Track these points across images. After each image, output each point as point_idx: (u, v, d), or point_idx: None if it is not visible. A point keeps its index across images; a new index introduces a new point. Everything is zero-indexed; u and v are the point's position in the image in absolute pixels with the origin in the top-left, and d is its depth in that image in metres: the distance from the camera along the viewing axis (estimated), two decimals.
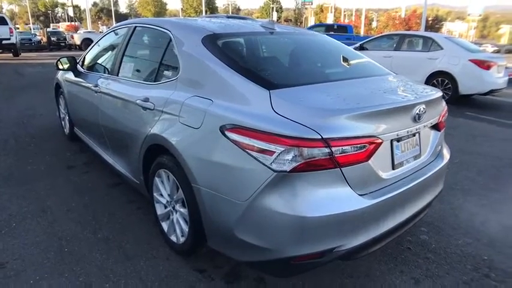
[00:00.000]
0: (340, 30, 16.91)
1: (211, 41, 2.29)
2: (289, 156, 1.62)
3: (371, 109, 1.79)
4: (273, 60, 2.77)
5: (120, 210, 2.93)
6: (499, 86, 7.58)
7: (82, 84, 3.62)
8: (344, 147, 1.66)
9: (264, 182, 1.66)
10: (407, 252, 2.46)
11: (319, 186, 1.67)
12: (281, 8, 79.81)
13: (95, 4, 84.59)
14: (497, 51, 32.53)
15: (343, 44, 3.05)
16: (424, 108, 2.00)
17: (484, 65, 7.35)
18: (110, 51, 3.49)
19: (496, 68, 7.44)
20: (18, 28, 40.91)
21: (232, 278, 2.16)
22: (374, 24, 53.46)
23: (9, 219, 2.75)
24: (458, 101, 7.58)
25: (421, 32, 16.92)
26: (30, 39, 27.30)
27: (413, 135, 2.09)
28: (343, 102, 1.89)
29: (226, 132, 1.80)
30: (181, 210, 2.25)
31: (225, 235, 1.90)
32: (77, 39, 27.84)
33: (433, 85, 7.44)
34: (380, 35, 10.56)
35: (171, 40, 2.51)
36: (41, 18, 77.05)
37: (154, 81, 2.56)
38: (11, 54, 18.48)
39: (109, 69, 3.21)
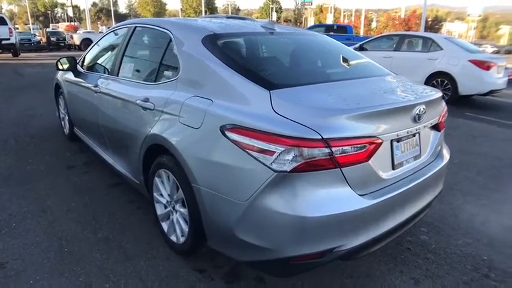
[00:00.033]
0: (339, 31, 16.91)
1: (212, 41, 2.29)
2: (290, 156, 1.62)
3: (371, 109, 1.79)
4: (273, 60, 2.77)
5: (120, 210, 2.93)
6: (499, 87, 7.59)
7: (82, 84, 3.62)
8: (344, 148, 1.67)
9: (264, 182, 1.67)
10: (407, 252, 2.46)
11: (319, 186, 1.67)
12: (281, 8, 79.78)
13: (94, 4, 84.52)
14: (497, 52, 32.61)
15: (343, 45, 3.05)
16: (424, 109, 2.00)
17: (483, 65, 7.36)
18: (110, 52, 3.49)
19: (495, 69, 7.45)
20: (17, 28, 40.94)
21: (232, 278, 2.16)
22: (374, 24, 53.47)
23: (9, 219, 2.75)
24: (458, 101, 7.58)
25: (421, 32, 16.96)
26: (30, 40, 27.27)
27: (413, 135, 2.09)
28: (344, 102, 1.89)
29: (227, 132, 1.80)
30: (181, 210, 2.25)
31: (225, 235, 1.90)
32: (77, 39, 27.84)
33: (433, 85, 7.44)
34: (380, 35, 10.56)
35: (171, 40, 2.51)
36: (41, 18, 77.02)
37: (155, 82, 2.56)
38: (10, 55, 18.48)
39: (109, 70, 3.21)
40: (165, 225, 2.46)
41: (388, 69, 2.75)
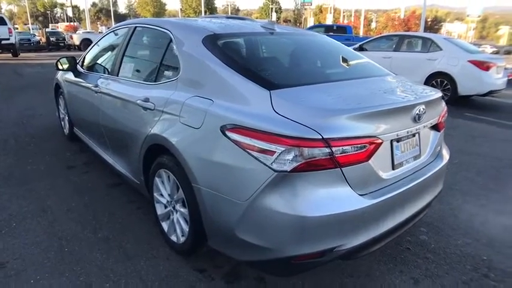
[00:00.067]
0: (339, 31, 16.91)
1: (212, 41, 2.30)
2: (290, 156, 1.62)
3: (371, 109, 1.80)
4: (273, 60, 2.78)
5: (120, 210, 2.93)
6: (498, 87, 7.60)
7: (82, 84, 3.62)
8: (344, 147, 1.67)
9: (265, 182, 1.67)
10: (407, 252, 2.47)
11: (319, 186, 1.68)
12: (280, 8, 79.83)
13: (94, 4, 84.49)
14: (496, 52, 32.68)
15: (343, 45, 3.06)
16: (424, 109, 2.01)
17: (483, 66, 7.37)
18: (110, 52, 3.49)
19: (495, 69, 7.46)
20: (17, 28, 40.89)
21: (233, 278, 2.17)
22: (373, 25, 53.53)
23: (9, 219, 2.75)
24: (458, 101, 7.60)
25: (420, 32, 16.95)
26: (29, 40, 27.27)
27: (413, 135, 2.09)
28: (344, 102, 1.90)
29: (227, 132, 1.81)
30: (182, 210, 2.25)
31: (226, 235, 1.90)
32: (76, 39, 27.83)
33: (432, 86, 7.44)
34: (379, 35, 10.58)
35: (171, 40, 2.51)
36: (40, 18, 77.01)
37: (155, 82, 2.57)
38: (10, 55, 18.48)
39: (109, 70, 3.22)
40: (165, 225, 2.46)
41: (388, 69, 2.75)
